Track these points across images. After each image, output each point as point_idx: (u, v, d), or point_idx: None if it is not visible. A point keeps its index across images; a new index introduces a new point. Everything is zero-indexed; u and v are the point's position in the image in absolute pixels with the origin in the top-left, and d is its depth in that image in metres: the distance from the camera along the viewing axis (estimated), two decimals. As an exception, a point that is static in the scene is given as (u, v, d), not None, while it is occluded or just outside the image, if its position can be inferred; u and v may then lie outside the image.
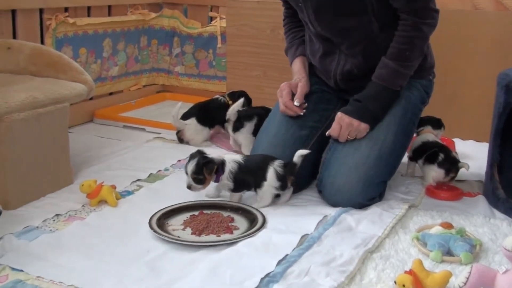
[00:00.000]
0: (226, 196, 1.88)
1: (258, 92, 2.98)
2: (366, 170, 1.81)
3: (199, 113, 2.51)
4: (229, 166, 1.79)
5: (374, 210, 1.79)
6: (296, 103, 1.95)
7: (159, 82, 3.45)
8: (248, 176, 1.80)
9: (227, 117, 2.32)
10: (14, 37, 2.47)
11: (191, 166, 1.77)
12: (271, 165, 1.79)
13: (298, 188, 1.96)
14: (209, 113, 2.52)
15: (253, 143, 2.27)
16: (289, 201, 1.89)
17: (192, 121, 2.49)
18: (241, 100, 2.33)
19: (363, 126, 1.83)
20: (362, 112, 1.84)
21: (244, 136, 2.34)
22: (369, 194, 1.83)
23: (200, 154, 1.80)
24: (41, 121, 1.85)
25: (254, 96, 2.69)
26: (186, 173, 1.79)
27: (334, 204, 1.83)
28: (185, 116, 2.50)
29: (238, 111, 2.32)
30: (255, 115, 2.34)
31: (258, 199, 1.82)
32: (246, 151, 2.33)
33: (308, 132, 1.97)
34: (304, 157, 1.81)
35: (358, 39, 1.85)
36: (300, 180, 1.95)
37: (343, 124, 1.84)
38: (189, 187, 1.79)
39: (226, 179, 1.80)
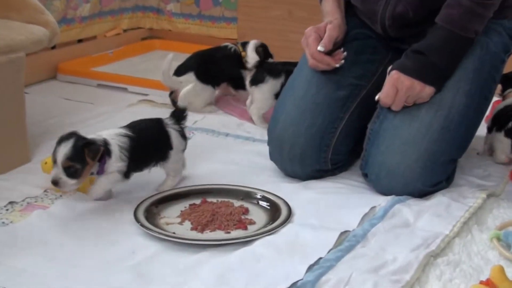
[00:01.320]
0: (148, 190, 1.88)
1: (281, 39, 2.99)
2: (427, 145, 1.82)
3: (200, 66, 2.53)
4: (117, 142, 1.74)
5: (439, 200, 1.80)
6: (320, 48, 1.93)
7: (146, 25, 3.47)
8: (146, 149, 1.80)
9: (245, 61, 2.36)
10: (-50, -38, 2.49)
11: (64, 150, 1.67)
12: (169, 127, 1.85)
13: (335, 169, 1.99)
14: (213, 66, 2.54)
15: (270, 107, 2.32)
16: (323, 188, 1.91)
17: (190, 77, 2.51)
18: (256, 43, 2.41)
19: (428, 91, 1.83)
20: (426, 69, 1.83)
21: (262, 95, 2.38)
22: (432, 178, 1.84)
23: (75, 135, 1.72)
24: (-12, 77, 1.87)
25: (276, 44, 2.70)
26: (55, 161, 1.68)
27: (385, 192, 1.85)
28: (179, 71, 2.52)
29: (263, 61, 2.34)
30: (283, 72, 2.36)
31: (170, 175, 1.88)
32: (257, 115, 2.38)
33: (348, 92, 1.98)
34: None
35: None
36: (337, 158, 1.97)
37: (400, 87, 1.82)
38: (55, 182, 1.68)
39: (117, 161, 1.73)
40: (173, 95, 2.53)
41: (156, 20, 3.45)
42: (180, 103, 2.49)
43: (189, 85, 2.49)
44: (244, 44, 2.59)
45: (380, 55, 2.04)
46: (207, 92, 2.53)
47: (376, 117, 1.91)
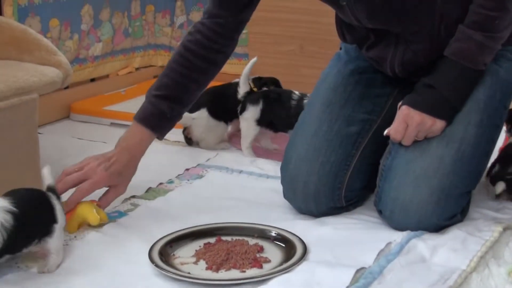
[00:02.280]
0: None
1: (292, 74, 3.00)
2: (440, 179, 1.81)
3: (212, 102, 2.55)
4: None
5: (455, 234, 1.79)
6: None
7: (157, 63, 3.49)
8: (27, 226, 1.57)
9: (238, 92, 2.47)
10: (-37, 6, 2.52)
11: None
12: (53, 199, 1.67)
13: (349, 205, 1.98)
14: (225, 102, 2.55)
15: (254, 134, 2.43)
16: (338, 224, 1.90)
17: (202, 114, 2.52)
18: (254, 60, 2.47)
19: (439, 125, 1.82)
20: (437, 103, 1.82)
21: (244, 123, 2.47)
22: (447, 211, 1.83)
23: None
24: (2, 119, 1.89)
25: (287, 79, 2.71)
26: None
27: (399, 228, 1.84)
28: (192, 107, 2.53)
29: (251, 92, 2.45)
30: (260, 98, 2.44)
31: (53, 253, 1.64)
32: (244, 145, 2.46)
33: (359, 127, 1.98)
34: None
35: (424, 21, 1.84)
36: (351, 194, 1.96)
37: (410, 122, 1.81)
38: None
39: None
40: (186, 131, 2.55)
41: (168, 57, 3.46)
42: (195, 139, 2.52)
43: (201, 121, 2.50)
44: (256, 80, 2.60)
45: (389, 88, 2.04)
46: (219, 128, 2.54)
47: (388, 152, 1.90)
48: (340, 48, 2.14)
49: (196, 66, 1.95)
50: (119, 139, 1.94)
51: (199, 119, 2.51)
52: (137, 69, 3.40)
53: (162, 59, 3.48)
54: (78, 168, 1.87)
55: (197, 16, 3.36)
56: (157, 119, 1.94)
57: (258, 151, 2.52)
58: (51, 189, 1.70)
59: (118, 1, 3.22)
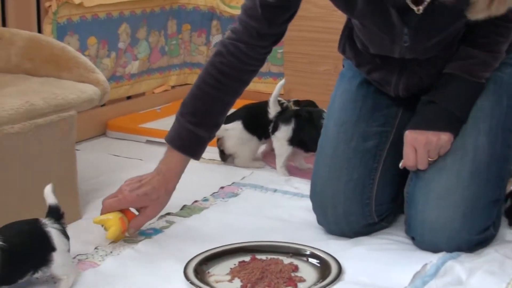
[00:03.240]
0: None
1: (327, 94, 2.98)
2: (461, 193, 1.80)
3: (248, 116, 2.55)
4: None
5: (492, 257, 1.77)
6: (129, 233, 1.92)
7: (193, 81, 3.47)
8: (16, 260, 1.55)
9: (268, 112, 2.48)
10: (4, 24, 2.56)
11: None
12: (48, 227, 1.62)
13: (381, 220, 1.97)
14: (262, 118, 2.55)
15: (287, 154, 2.44)
16: (372, 244, 1.89)
17: (237, 125, 2.53)
18: (282, 83, 2.48)
19: (445, 138, 1.82)
20: (439, 117, 1.83)
21: (277, 142, 2.48)
22: (476, 225, 1.82)
23: None
24: (41, 135, 1.90)
25: (322, 99, 2.70)
26: None
27: (433, 249, 1.83)
28: (227, 119, 2.54)
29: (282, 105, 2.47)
30: (293, 117, 2.45)
31: (62, 279, 1.63)
32: (278, 164, 2.47)
33: (376, 141, 1.97)
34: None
35: (446, 51, 1.85)
36: (382, 208, 1.96)
37: (417, 145, 1.82)
38: None
39: None
40: (218, 142, 2.56)
41: (204, 76, 3.49)
42: (228, 152, 2.53)
43: (235, 133, 2.52)
44: (295, 103, 2.61)
45: (396, 100, 2.01)
46: (252, 142, 2.55)
47: (410, 179, 1.91)
48: (343, 66, 2.13)
49: (231, 89, 1.95)
50: (159, 161, 1.94)
51: (232, 131, 2.52)
52: (172, 87, 3.42)
53: (198, 78, 3.50)
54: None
55: (232, 35, 3.37)
56: (195, 144, 1.94)
57: (293, 170, 2.52)
58: (52, 209, 1.66)
59: (155, 20, 3.25)
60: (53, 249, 1.60)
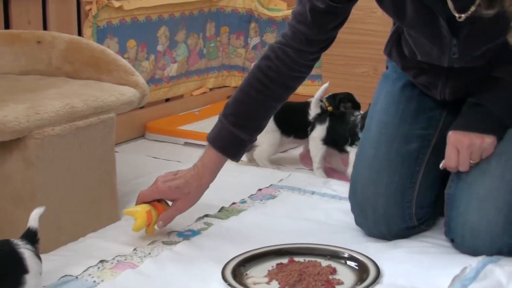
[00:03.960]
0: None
1: (365, 96, 2.97)
2: (505, 197, 1.78)
3: (281, 110, 2.55)
4: None
5: (533, 261, 1.76)
6: (159, 225, 1.93)
7: (231, 83, 3.51)
8: None
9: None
10: (45, 27, 2.59)
11: None
12: (21, 248, 1.51)
13: (421, 224, 1.96)
14: (292, 115, 2.57)
15: (321, 153, 2.46)
16: (410, 247, 1.88)
17: None
18: (326, 85, 2.53)
19: (488, 141, 1.80)
20: (484, 119, 1.81)
21: (312, 142, 2.51)
22: None
23: None
24: (81, 137, 1.92)
25: (361, 101, 2.69)
26: None
27: (473, 252, 1.81)
28: None
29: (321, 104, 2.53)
30: (327, 116, 2.50)
31: None
32: (313, 165, 2.50)
33: (418, 144, 1.96)
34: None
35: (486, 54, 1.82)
36: (422, 212, 1.94)
37: (460, 147, 1.80)
38: None
39: None
40: None
41: (241, 78, 3.47)
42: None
43: None
44: (330, 98, 2.63)
45: (439, 103, 1.99)
46: (275, 134, 2.56)
47: (451, 180, 1.89)
48: (387, 67, 2.12)
49: (276, 94, 1.94)
50: (200, 156, 1.97)
51: None
52: (211, 89, 3.43)
53: (236, 80, 3.50)
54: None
55: (270, 37, 3.37)
56: (235, 146, 1.94)
57: (330, 173, 2.51)
58: (30, 232, 1.55)
59: (194, 23, 3.26)
60: (26, 271, 1.48)
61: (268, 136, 2.54)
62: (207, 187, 1.95)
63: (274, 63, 1.90)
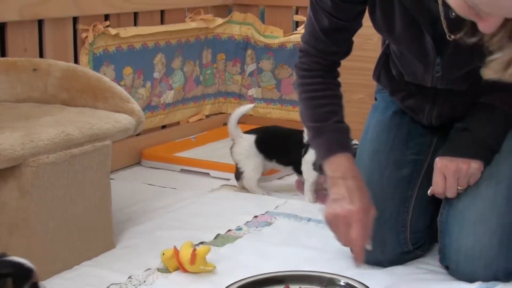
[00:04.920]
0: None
1: (362, 122, 2.98)
2: (497, 220, 1.79)
3: (265, 134, 2.60)
4: None
5: (530, 287, 1.75)
6: (368, 246, 1.78)
7: (227, 110, 3.52)
8: None
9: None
10: (41, 55, 2.60)
11: None
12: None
13: (416, 248, 1.95)
14: (276, 141, 2.59)
15: (314, 177, 2.47)
16: (407, 274, 1.88)
17: (250, 138, 2.57)
18: None
19: (475, 166, 1.80)
20: (471, 145, 1.82)
21: (305, 166, 2.52)
22: None
23: None
24: (76, 165, 1.92)
25: (358, 127, 2.68)
26: None
27: (468, 278, 1.81)
28: (249, 131, 2.62)
29: None
30: None
31: None
32: (306, 189, 2.50)
33: (410, 169, 1.97)
34: None
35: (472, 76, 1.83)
36: (416, 236, 1.94)
37: (447, 172, 1.81)
38: None
39: None
40: (232, 144, 2.60)
41: (238, 105, 3.48)
42: (234, 160, 2.57)
43: (244, 143, 2.57)
44: None
45: (429, 128, 2.00)
46: (257, 159, 2.57)
47: (443, 208, 1.89)
48: (375, 99, 2.13)
49: (329, 86, 1.92)
50: (331, 175, 1.84)
51: (244, 141, 2.57)
52: (207, 116, 3.44)
53: (232, 107, 3.50)
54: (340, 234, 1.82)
55: (267, 64, 3.38)
56: (347, 142, 1.87)
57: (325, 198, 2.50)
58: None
59: (190, 50, 3.27)
60: None
61: (250, 162, 2.56)
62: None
63: (310, 77, 1.90)
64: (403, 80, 1.92)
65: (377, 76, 2.04)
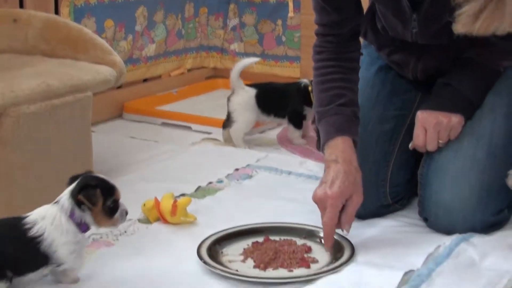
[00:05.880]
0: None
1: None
2: (477, 176, 1.81)
3: (266, 88, 2.62)
4: None
5: (505, 239, 1.77)
6: (345, 232, 1.76)
7: (210, 64, 3.51)
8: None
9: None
10: (21, 5, 2.56)
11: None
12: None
13: (396, 202, 1.97)
14: (274, 96, 2.62)
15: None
16: (385, 226, 1.89)
17: (251, 92, 2.58)
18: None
19: (455, 120, 1.82)
20: (452, 99, 1.83)
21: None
22: (490, 206, 1.82)
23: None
24: (57, 116, 1.91)
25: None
26: None
27: (446, 231, 1.82)
28: (251, 84, 2.64)
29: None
30: None
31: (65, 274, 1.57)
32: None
33: (392, 124, 1.98)
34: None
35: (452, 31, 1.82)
36: (396, 190, 1.96)
37: (428, 125, 1.82)
38: None
39: None
40: (229, 96, 2.61)
41: (220, 59, 3.49)
42: (229, 109, 2.58)
43: (245, 95, 2.58)
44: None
45: (414, 84, 2.01)
46: (255, 112, 2.58)
47: (423, 161, 1.91)
48: (361, 54, 2.12)
49: (339, 69, 1.88)
50: (326, 158, 1.81)
51: (245, 92, 2.58)
52: (189, 70, 3.43)
53: (214, 61, 3.50)
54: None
55: (250, 19, 3.37)
56: (347, 124, 1.83)
57: (308, 153, 2.52)
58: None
59: (172, 3, 3.25)
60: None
61: (246, 114, 2.56)
62: (359, 168, 1.80)
63: (326, 53, 1.89)
64: (389, 36, 1.93)
65: (363, 33, 2.03)
